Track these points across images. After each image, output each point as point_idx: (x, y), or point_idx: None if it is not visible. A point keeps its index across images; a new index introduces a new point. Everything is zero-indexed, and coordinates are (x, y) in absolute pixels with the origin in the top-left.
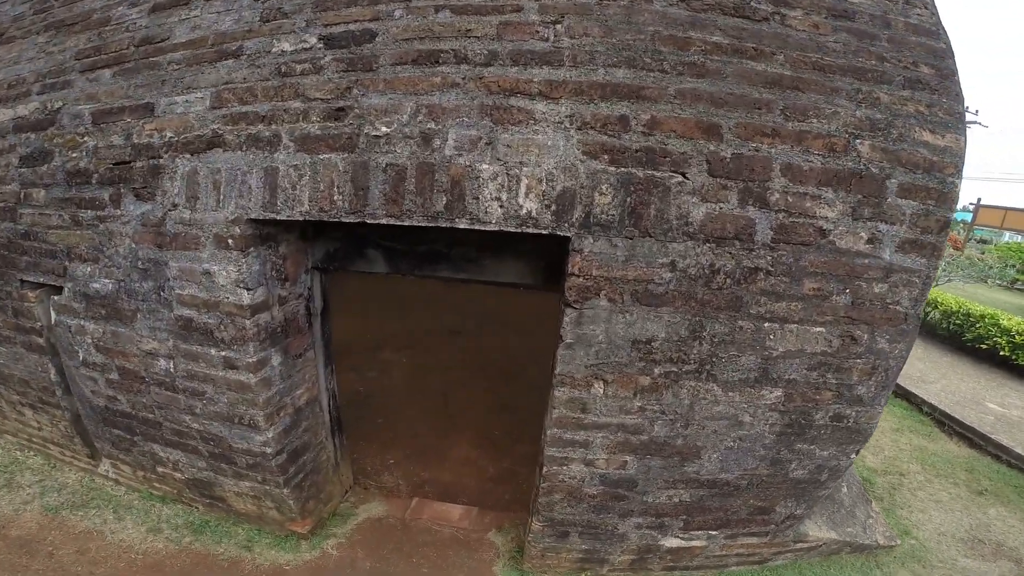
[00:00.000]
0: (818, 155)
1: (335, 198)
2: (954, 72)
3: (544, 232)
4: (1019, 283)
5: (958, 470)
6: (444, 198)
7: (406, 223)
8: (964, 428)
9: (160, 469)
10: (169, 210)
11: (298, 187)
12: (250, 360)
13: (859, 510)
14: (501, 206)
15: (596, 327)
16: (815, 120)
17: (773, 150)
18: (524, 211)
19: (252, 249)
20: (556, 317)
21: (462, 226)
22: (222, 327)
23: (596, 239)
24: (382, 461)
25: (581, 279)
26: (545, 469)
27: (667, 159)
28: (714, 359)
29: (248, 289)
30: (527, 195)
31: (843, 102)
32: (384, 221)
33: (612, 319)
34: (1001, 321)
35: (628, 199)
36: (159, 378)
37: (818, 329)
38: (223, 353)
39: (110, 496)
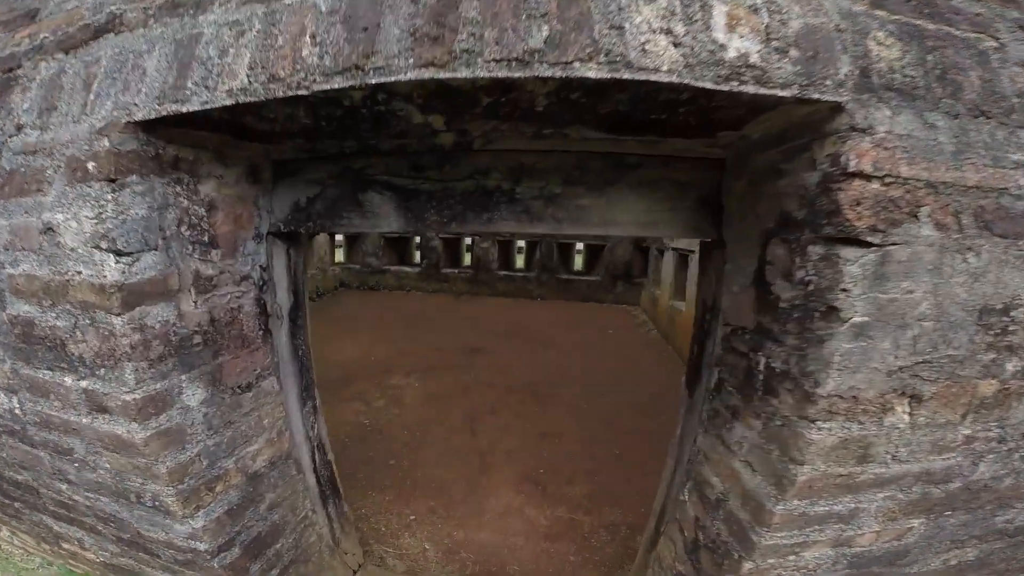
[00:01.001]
0: None
1: (303, 53)
2: None
3: (785, 95)
4: None
5: None
6: (545, 27)
7: (462, 75)
8: None
9: (66, 546)
10: (11, 136)
11: (232, 51)
12: (128, 397)
13: None
14: (675, 43)
15: (915, 284)
16: None
17: None
18: (731, 53)
19: (134, 178)
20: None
21: (592, 74)
22: (77, 332)
23: (896, 112)
24: (400, 519)
25: (877, 184)
26: (748, 565)
27: (960, 17)
28: None
29: (118, 253)
30: (731, 29)
31: None
32: (411, 76)
33: (944, 265)
34: None
35: (929, 57)
36: (6, 423)
37: None
38: (83, 383)
39: (19, 568)
